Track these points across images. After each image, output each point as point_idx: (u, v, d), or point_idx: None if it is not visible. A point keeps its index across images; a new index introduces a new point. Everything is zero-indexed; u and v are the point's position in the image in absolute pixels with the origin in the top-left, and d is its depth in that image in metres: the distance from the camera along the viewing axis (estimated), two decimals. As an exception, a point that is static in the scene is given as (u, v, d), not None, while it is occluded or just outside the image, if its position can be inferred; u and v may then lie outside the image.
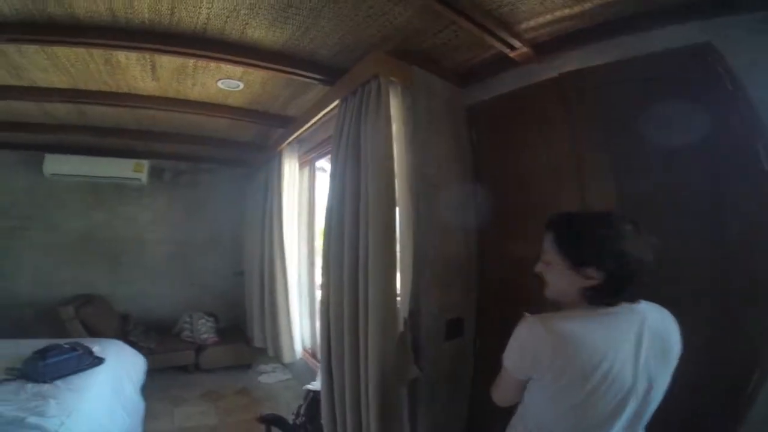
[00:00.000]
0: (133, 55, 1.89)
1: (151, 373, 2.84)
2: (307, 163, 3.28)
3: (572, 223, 0.93)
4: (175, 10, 1.53)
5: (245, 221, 4.05)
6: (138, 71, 2.08)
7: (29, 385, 1.96)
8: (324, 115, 2.42)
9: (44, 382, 2.00)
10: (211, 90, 2.40)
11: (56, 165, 3.36)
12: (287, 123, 2.91)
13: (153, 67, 2.05)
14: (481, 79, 1.96)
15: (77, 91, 2.25)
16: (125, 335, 3.20)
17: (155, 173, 3.90)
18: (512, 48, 1.63)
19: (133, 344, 2.98)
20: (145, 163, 3.66)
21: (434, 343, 1.73)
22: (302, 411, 2.25)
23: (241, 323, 3.99)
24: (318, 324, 2.61)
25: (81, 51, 1.78)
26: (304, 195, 3.33)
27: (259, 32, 1.73)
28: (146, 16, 1.56)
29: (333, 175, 1.98)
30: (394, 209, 1.66)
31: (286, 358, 3.10)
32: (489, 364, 1.09)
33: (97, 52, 1.81)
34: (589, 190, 1.50)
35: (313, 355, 3.12)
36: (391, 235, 1.64)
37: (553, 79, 1.62)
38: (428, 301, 1.70)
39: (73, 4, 1.43)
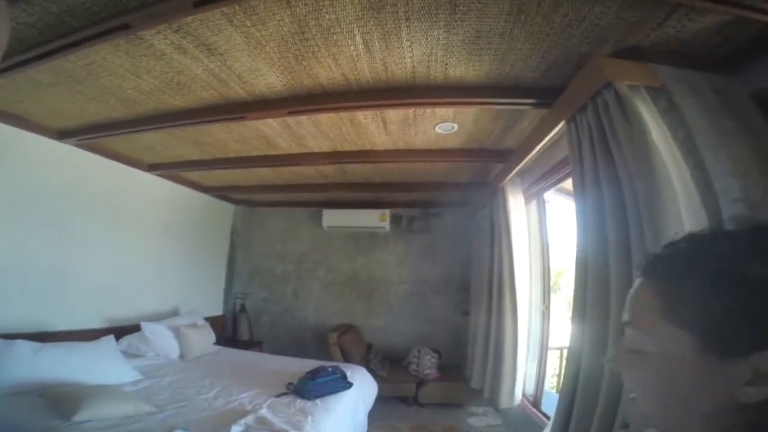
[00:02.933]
0: (368, 113, 2.27)
1: (377, 399, 3.06)
2: (532, 196, 3.04)
3: (717, 254, 0.41)
4: (387, 63, 1.75)
5: (471, 261, 4.08)
6: (374, 128, 2.48)
7: (298, 401, 2.28)
8: (546, 142, 2.23)
9: (309, 399, 2.31)
10: (431, 136, 2.60)
11: (330, 218, 4.40)
12: (505, 156, 2.82)
13: (384, 123, 2.40)
14: (750, 60, 1.44)
15: (337, 153, 2.90)
16: (367, 362, 3.63)
17: (395, 221, 4.50)
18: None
19: (371, 371, 3.31)
20: (387, 213, 4.29)
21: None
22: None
23: (460, 362, 3.97)
24: (548, 372, 2.20)
25: (333, 116, 2.29)
26: (534, 231, 3.08)
27: (459, 70, 1.79)
28: (368, 75, 1.85)
29: (582, 204, 1.70)
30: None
31: (503, 403, 2.85)
32: None
33: (344, 115, 2.29)
34: None
35: (534, 404, 2.78)
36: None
37: None
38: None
39: (318, 75, 1.85)
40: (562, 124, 1.92)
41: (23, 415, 1.74)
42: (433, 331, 4.28)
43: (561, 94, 1.85)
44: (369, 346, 4.04)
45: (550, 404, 2.82)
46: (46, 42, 1.64)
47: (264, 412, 2.06)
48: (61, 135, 2.71)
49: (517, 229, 2.87)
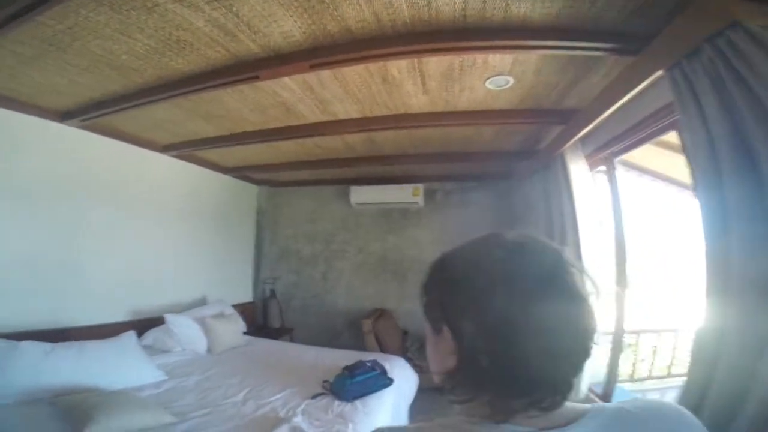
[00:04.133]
0: (404, 66, 1.87)
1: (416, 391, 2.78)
2: (599, 163, 2.58)
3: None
4: (430, -5, 1.36)
5: None
6: (410, 85, 2.09)
7: (336, 403, 2.04)
8: (630, 97, 1.81)
9: (347, 401, 2.07)
10: (479, 93, 2.18)
11: (358, 195, 4.06)
12: (566, 118, 2.39)
13: (422, 77, 2.00)
14: None
15: (366, 119, 2.52)
16: (404, 351, 3.35)
17: (429, 195, 4.13)
18: None
19: (409, 360, 3.03)
20: (421, 187, 3.92)
21: None
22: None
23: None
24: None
25: (362, 72, 1.91)
26: (604, 205, 2.64)
27: (524, 6, 1.40)
28: (406, 13, 1.46)
29: (708, 164, 1.25)
30: None
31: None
32: None
33: (374, 70, 1.90)
34: None
35: (603, 399, 2.42)
36: None
37: None
38: None
39: (345, 15, 1.46)
40: (658, 73, 1.51)
41: (31, 427, 1.54)
42: (475, 315, 3.94)
43: (650, 40, 1.48)
44: (405, 333, 3.76)
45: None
46: (12, 2, 1.33)
47: (298, 420, 1.80)
48: (63, 116, 2.45)
49: (582, 201, 2.45)
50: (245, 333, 3.40)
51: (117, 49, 1.71)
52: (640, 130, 2.07)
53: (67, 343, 2.06)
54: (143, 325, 2.93)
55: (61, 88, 2.09)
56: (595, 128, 2.31)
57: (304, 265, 4.56)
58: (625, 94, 1.79)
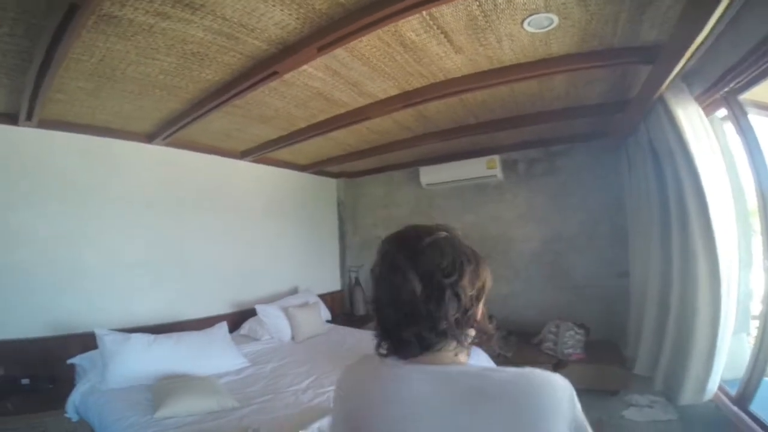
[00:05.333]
0: (418, 26, 1.63)
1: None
2: (717, 105, 1.96)
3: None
4: None
5: (626, 207, 3.09)
6: (436, 46, 1.82)
7: None
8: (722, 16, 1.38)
9: None
10: (523, 40, 1.80)
11: (427, 176, 3.85)
12: (651, 55, 1.85)
13: (445, 35, 1.72)
14: None
15: (406, 94, 2.32)
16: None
17: (508, 167, 3.70)
18: None
19: (491, 349, 2.77)
20: (496, 158, 3.53)
21: None
22: None
23: (616, 338, 3.11)
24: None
25: (377, 43, 1.74)
26: (730, 155, 2.06)
27: None
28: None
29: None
30: None
31: (686, 398, 2.04)
32: None
33: (388, 38, 1.70)
34: None
35: (739, 402, 1.90)
36: None
37: None
38: None
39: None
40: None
41: (123, 408, 1.81)
42: (575, 300, 3.39)
43: None
44: (490, 318, 3.46)
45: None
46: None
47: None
48: (149, 137, 2.83)
49: (701, 151, 1.89)
50: (329, 321, 3.54)
51: (150, 71, 1.88)
52: (763, 55, 1.49)
53: (166, 334, 2.37)
54: (243, 316, 3.29)
55: (134, 113, 2.39)
56: (697, 61, 1.80)
57: (387, 251, 4.55)
58: (713, 11, 1.30)
